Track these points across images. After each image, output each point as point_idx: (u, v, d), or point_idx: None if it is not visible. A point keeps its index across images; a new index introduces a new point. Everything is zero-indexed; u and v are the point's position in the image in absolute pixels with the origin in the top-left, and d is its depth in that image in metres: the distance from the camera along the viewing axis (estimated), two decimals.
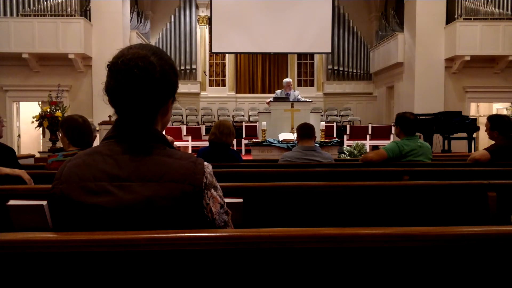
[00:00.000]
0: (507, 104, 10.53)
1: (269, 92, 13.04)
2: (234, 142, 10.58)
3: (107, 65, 1.01)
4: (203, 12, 13.43)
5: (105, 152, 1.00)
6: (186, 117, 12.81)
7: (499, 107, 11.45)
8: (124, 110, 1.02)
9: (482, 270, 0.96)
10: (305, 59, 14.03)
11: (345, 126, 11.29)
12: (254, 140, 6.84)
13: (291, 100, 7.40)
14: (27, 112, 9.35)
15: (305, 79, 14.12)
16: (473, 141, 8.66)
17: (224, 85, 13.86)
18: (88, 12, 9.68)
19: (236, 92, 13.81)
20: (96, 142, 3.59)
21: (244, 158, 5.32)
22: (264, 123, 6.84)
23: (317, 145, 4.41)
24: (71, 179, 0.97)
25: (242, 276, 0.93)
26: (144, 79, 0.98)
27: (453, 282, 0.96)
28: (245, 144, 10.48)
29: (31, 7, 9.25)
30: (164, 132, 1.13)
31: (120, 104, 1.01)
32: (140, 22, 12.25)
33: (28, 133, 10.15)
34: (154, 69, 0.99)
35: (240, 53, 13.21)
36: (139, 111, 1.01)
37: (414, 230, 0.95)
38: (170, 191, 0.95)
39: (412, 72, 10.27)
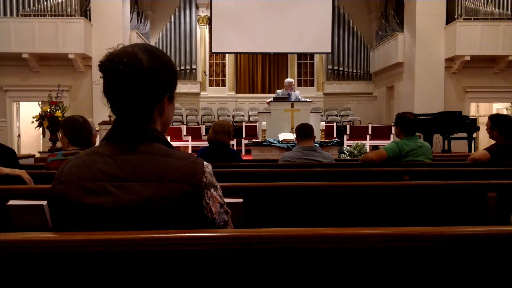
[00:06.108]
0: (507, 104, 10.53)
1: (269, 92, 13.04)
2: (234, 142, 10.59)
3: (98, 65, 1.01)
4: (203, 12, 13.43)
5: (104, 152, 1.00)
6: (186, 117, 12.81)
7: (499, 107, 11.44)
8: (117, 108, 1.02)
9: (482, 270, 0.96)
10: (305, 59, 14.03)
11: (345, 126, 11.29)
12: (254, 140, 6.85)
13: (291, 100, 7.40)
14: (27, 112, 9.35)
15: (305, 79, 14.12)
16: (473, 141, 8.66)
17: (224, 85, 13.86)
18: (88, 12, 9.68)
19: (236, 92, 13.81)
20: (96, 143, 3.59)
21: (244, 158, 5.32)
22: (264, 123, 6.85)
23: (317, 145, 4.41)
24: (70, 180, 0.97)
25: (242, 276, 0.93)
26: (129, 74, 0.97)
27: (453, 282, 0.96)
28: (245, 144, 10.47)
29: (31, 7, 9.25)
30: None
31: (112, 102, 1.02)
32: (140, 22, 12.25)
33: (28, 133, 10.14)
34: (141, 65, 0.98)
35: (240, 53, 13.21)
36: (131, 109, 1.01)
37: (414, 230, 0.95)
38: (170, 191, 0.95)
39: (412, 72, 10.27)
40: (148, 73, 0.99)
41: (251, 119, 12.78)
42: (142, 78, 0.98)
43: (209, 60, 13.77)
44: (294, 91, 7.84)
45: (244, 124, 11.52)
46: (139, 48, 1.02)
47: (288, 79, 7.93)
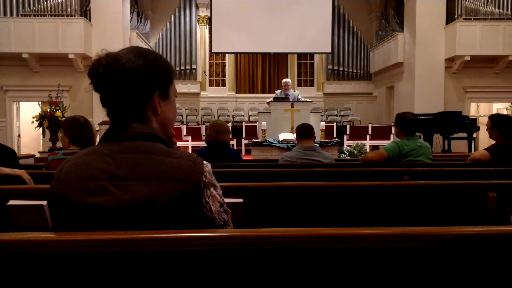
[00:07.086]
0: (507, 104, 10.53)
1: (269, 92, 13.04)
2: (234, 142, 10.59)
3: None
4: (203, 12, 13.43)
5: (103, 151, 1.00)
6: (186, 117, 12.81)
7: (499, 107, 11.45)
8: (109, 110, 1.03)
9: (482, 270, 0.96)
10: (305, 59, 14.03)
11: (345, 126, 11.29)
12: (254, 140, 6.84)
13: (291, 100, 7.40)
14: (27, 112, 9.35)
15: (305, 79, 14.12)
16: (473, 141, 8.66)
17: (224, 85, 13.86)
18: (88, 12, 9.68)
19: (236, 92, 13.81)
20: (96, 143, 3.60)
21: (244, 158, 5.32)
22: (264, 123, 6.84)
23: (317, 145, 4.41)
24: (69, 179, 0.97)
25: (242, 276, 0.93)
26: (108, 76, 0.99)
27: (453, 282, 0.96)
28: (245, 144, 10.48)
29: (31, 7, 9.25)
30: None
31: (104, 105, 1.04)
32: (140, 22, 12.25)
33: (28, 133, 10.15)
34: (120, 65, 0.99)
35: (240, 53, 13.21)
36: (122, 109, 1.02)
37: (414, 230, 0.95)
38: (169, 190, 0.95)
39: (412, 72, 10.27)
40: (129, 72, 1.00)
41: (251, 119, 12.78)
42: (122, 78, 0.99)
43: (209, 60, 13.77)
44: (294, 91, 7.84)
45: (244, 124, 11.53)
46: (126, 51, 1.04)
47: (284, 80, 7.92)
